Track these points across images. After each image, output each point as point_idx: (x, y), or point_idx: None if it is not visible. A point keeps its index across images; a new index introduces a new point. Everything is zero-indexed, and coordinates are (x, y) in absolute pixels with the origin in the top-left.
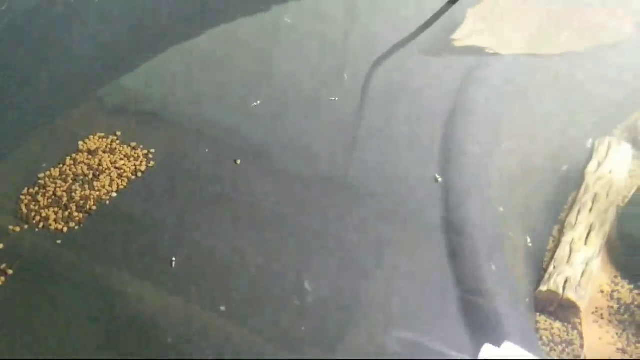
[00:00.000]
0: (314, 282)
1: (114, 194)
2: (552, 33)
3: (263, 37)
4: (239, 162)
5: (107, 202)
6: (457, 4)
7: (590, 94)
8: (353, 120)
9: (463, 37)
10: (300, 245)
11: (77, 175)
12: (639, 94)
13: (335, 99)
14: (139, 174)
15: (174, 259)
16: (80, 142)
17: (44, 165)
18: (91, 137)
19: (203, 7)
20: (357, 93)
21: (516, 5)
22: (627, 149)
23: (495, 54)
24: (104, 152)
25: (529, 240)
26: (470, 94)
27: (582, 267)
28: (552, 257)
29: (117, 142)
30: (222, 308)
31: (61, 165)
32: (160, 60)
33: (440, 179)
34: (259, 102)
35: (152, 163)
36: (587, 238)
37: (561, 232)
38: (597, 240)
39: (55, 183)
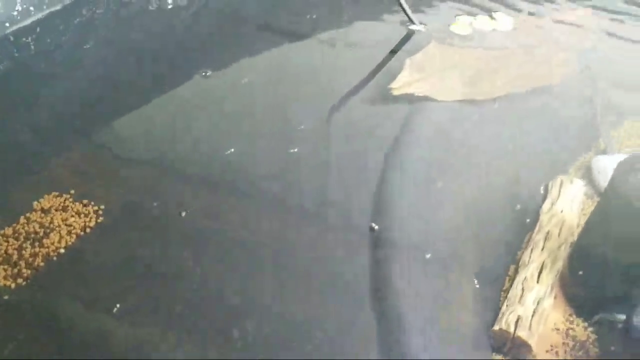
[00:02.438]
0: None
1: (62, 250)
2: (488, 78)
3: (220, 96)
4: (183, 214)
5: (55, 258)
6: (397, 54)
7: (532, 136)
8: (306, 170)
9: (401, 85)
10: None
11: (28, 234)
12: (584, 134)
13: (295, 150)
14: (88, 230)
15: (117, 305)
16: (35, 202)
17: None
18: (46, 195)
19: (164, 71)
20: (312, 142)
21: (452, 53)
22: (579, 185)
23: (432, 101)
24: (57, 210)
25: (476, 282)
26: (409, 140)
27: (533, 305)
28: (505, 297)
29: (70, 200)
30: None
31: (15, 225)
32: (122, 120)
33: (376, 227)
34: (232, 150)
35: (101, 219)
36: (539, 276)
37: (516, 271)
38: (548, 279)
39: (8, 242)
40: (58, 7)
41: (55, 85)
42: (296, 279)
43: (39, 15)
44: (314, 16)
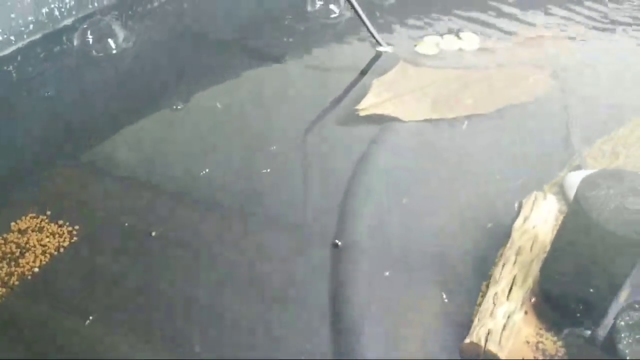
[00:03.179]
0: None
1: (36, 269)
2: (457, 97)
3: (195, 120)
4: (154, 233)
5: (29, 277)
6: (366, 75)
7: (505, 154)
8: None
9: (368, 106)
10: None
11: (5, 254)
12: (558, 152)
13: (268, 170)
14: (62, 250)
15: (90, 317)
16: (13, 223)
17: None
18: (23, 217)
19: (141, 98)
20: (284, 162)
21: (420, 73)
22: (552, 201)
23: (400, 121)
24: (33, 231)
25: (444, 296)
26: (377, 160)
27: (503, 320)
28: (477, 311)
29: (46, 220)
30: None
31: None
32: (98, 145)
33: (340, 243)
34: (206, 170)
35: (75, 239)
36: (509, 292)
37: (488, 287)
38: (519, 294)
39: None
40: (38, 36)
41: (34, 112)
42: (264, 295)
43: (20, 45)
44: (291, 39)
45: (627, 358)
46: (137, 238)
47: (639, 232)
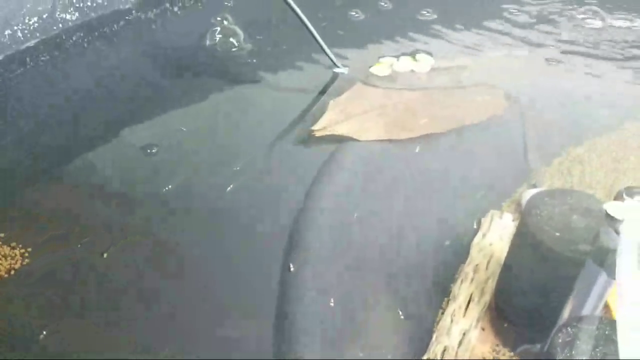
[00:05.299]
0: None
1: None
2: (412, 118)
3: (158, 144)
4: (105, 255)
5: None
6: (323, 97)
7: (463, 173)
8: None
9: (324, 127)
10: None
11: None
12: (515, 171)
13: (230, 187)
14: (12, 272)
15: (44, 332)
16: None
17: None
18: None
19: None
20: (246, 181)
21: (375, 94)
22: (508, 219)
23: (355, 141)
24: None
25: (400, 314)
26: (332, 179)
27: (459, 336)
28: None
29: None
30: None
31: None
32: (58, 168)
33: (292, 268)
34: (169, 186)
35: (27, 261)
36: (466, 309)
37: (447, 304)
38: (475, 311)
39: None
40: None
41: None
42: (217, 318)
43: None
44: (254, 60)
45: None
46: (89, 259)
47: (581, 251)
